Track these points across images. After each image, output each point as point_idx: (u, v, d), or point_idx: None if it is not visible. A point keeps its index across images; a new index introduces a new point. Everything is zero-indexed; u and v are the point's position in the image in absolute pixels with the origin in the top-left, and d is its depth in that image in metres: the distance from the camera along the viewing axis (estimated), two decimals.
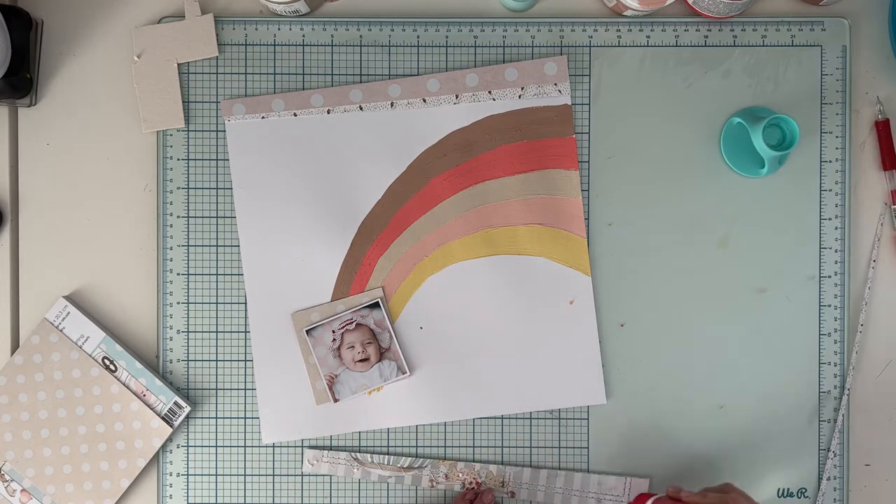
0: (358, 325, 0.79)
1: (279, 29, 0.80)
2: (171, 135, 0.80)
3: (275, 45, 0.80)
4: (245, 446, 0.80)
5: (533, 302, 0.79)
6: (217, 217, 0.80)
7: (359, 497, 0.79)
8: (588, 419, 0.80)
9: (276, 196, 0.79)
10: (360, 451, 0.79)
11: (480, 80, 0.79)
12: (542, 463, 0.79)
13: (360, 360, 0.79)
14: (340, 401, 0.79)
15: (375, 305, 0.79)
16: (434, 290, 0.79)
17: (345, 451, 0.79)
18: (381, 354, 0.79)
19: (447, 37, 0.80)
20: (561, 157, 0.79)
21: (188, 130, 0.80)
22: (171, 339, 0.80)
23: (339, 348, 0.79)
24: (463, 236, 0.79)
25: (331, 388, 0.79)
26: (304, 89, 0.79)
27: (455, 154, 0.79)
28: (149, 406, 0.78)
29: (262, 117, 0.79)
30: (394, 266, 0.79)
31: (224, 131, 0.80)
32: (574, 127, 0.79)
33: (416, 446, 0.80)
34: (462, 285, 0.79)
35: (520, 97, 0.79)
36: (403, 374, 0.79)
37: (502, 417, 0.79)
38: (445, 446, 0.79)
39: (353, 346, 0.79)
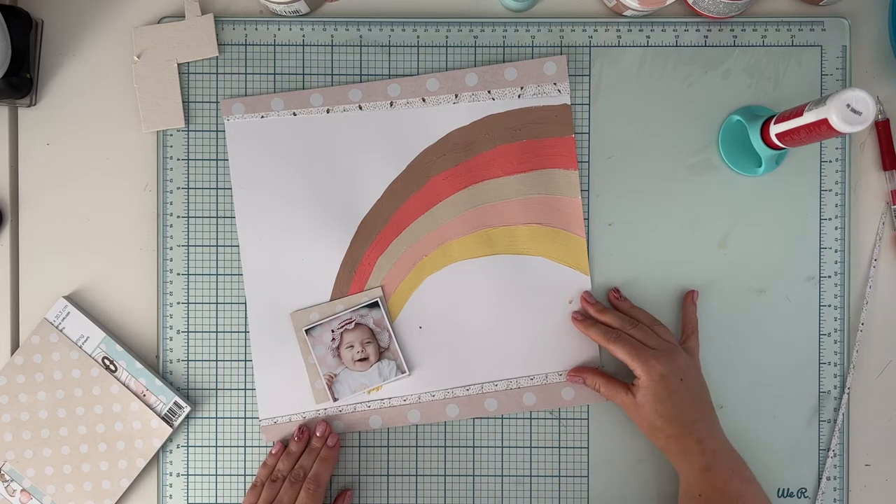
0: (357, 324, 0.79)
1: (279, 29, 0.80)
2: (171, 135, 0.80)
3: (275, 45, 0.80)
4: (245, 446, 0.79)
5: (532, 302, 0.79)
6: (217, 217, 0.80)
7: (359, 497, 0.79)
8: (588, 419, 0.79)
9: (276, 195, 0.79)
10: (359, 449, 0.79)
11: (480, 80, 0.79)
12: (542, 463, 0.79)
13: (360, 360, 0.79)
14: (339, 400, 0.79)
15: (375, 305, 0.79)
16: (433, 290, 0.79)
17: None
18: (381, 354, 0.79)
19: (447, 37, 0.80)
20: (560, 157, 0.79)
21: (188, 130, 0.80)
22: (171, 339, 0.80)
23: (338, 348, 0.79)
24: (462, 236, 0.79)
25: (330, 388, 0.79)
26: (303, 89, 0.80)
27: (454, 153, 0.79)
28: (149, 406, 0.78)
29: (262, 116, 0.79)
30: (393, 265, 0.79)
31: (224, 131, 0.80)
32: (574, 127, 0.79)
33: (416, 446, 0.80)
34: (461, 285, 0.79)
35: (519, 97, 0.79)
36: (403, 373, 0.79)
37: (502, 417, 0.79)
38: (445, 446, 0.79)
39: (352, 346, 0.79)
